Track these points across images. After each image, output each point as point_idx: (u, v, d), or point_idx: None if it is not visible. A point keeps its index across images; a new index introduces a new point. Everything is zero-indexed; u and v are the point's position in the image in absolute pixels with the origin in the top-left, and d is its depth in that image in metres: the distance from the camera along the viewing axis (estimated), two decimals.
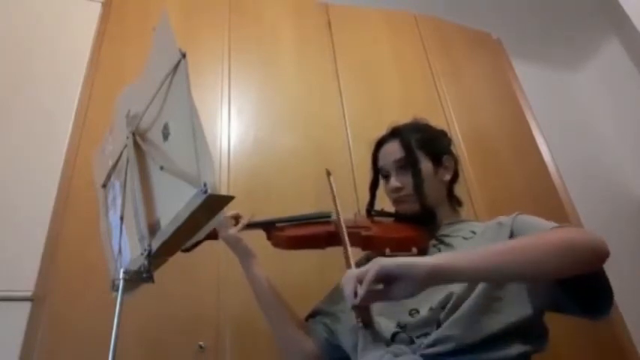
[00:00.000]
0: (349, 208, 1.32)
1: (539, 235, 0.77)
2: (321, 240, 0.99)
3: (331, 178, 1.02)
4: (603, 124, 2.66)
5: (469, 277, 0.72)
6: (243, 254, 1.01)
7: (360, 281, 0.68)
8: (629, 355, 1.57)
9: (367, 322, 0.78)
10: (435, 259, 0.69)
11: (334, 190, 1.00)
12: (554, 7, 2.77)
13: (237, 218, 1.01)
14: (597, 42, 2.74)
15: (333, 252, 0.98)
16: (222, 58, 1.67)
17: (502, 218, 0.93)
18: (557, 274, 0.74)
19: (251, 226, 1.02)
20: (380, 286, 0.68)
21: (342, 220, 0.93)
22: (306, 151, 1.57)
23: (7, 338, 1.11)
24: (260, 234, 1.02)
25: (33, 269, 1.20)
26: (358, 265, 0.83)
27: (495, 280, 0.78)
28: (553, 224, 0.82)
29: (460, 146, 1.75)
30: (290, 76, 1.73)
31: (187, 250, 0.94)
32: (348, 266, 0.84)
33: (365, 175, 1.14)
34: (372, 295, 0.68)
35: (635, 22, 2.06)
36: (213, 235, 0.99)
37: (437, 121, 1.19)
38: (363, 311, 0.75)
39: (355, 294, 0.68)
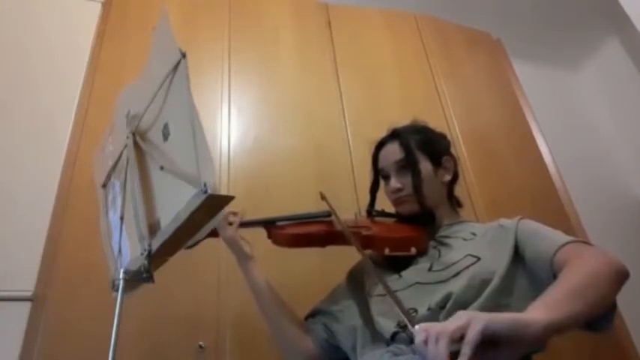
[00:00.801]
0: (349, 209, 1.33)
1: (589, 266, 0.73)
2: (321, 238, 0.99)
3: (328, 200, 1.01)
4: (603, 124, 2.66)
5: (568, 327, 0.63)
6: (240, 255, 1.01)
7: (453, 340, 0.53)
8: (629, 355, 1.58)
9: None
10: (541, 316, 0.59)
11: (333, 208, 0.98)
12: (554, 7, 2.77)
13: (235, 214, 1.01)
14: (597, 42, 2.74)
15: (335, 253, 0.98)
16: (222, 58, 1.67)
17: (504, 221, 0.92)
18: (609, 302, 0.72)
19: (252, 224, 1.02)
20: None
21: (349, 233, 0.91)
22: (306, 151, 1.57)
23: (7, 338, 1.11)
24: (261, 232, 1.02)
25: (33, 269, 1.20)
26: (355, 269, 0.81)
27: (578, 324, 0.68)
28: (560, 235, 0.82)
29: (460, 146, 1.75)
30: (290, 76, 1.73)
31: (190, 246, 0.94)
32: (376, 276, 0.79)
33: (365, 175, 1.14)
34: None
35: (635, 22, 2.05)
36: (215, 233, 1.00)
37: (437, 121, 1.19)
38: None
39: (452, 358, 0.52)
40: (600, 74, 2.74)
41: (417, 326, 0.58)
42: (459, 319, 0.55)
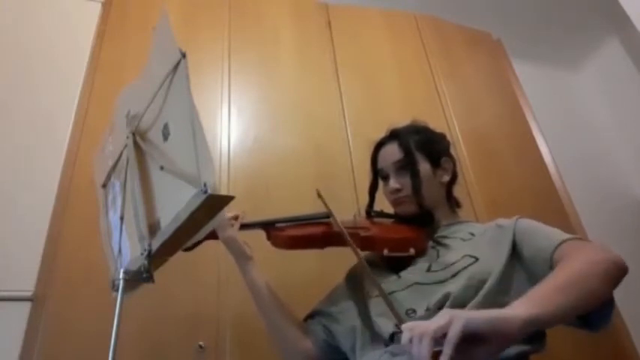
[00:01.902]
0: (349, 209, 1.33)
1: (584, 260, 0.74)
2: (320, 240, 0.99)
3: (323, 199, 1.00)
4: (603, 124, 2.66)
5: (553, 322, 0.64)
6: (239, 255, 1.01)
7: (436, 339, 0.55)
8: (629, 355, 1.58)
9: None
10: (521, 312, 0.60)
11: (329, 207, 0.98)
12: (554, 7, 2.77)
13: (236, 219, 1.01)
14: (597, 42, 2.74)
15: (334, 253, 0.98)
16: (222, 58, 1.67)
17: (502, 221, 0.92)
18: (604, 299, 0.72)
19: (251, 225, 1.02)
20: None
21: (347, 235, 0.91)
22: (306, 151, 1.57)
23: (7, 338, 1.11)
24: (260, 235, 1.02)
25: (33, 269, 1.20)
26: (354, 270, 0.81)
27: (566, 319, 0.70)
28: (559, 233, 0.82)
29: (460, 146, 1.75)
30: (290, 76, 1.73)
31: (188, 249, 0.94)
32: (364, 272, 0.80)
33: (365, 175, 1.14)
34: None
35: (635, 22, 2.05)
36: (214, 235, 0.99)
37: (437, 121, 1.19)
38: None
39: (435, 356, 0.54)
40: (600, 74, 2.74)
41: (403, 325, 0.60)
42: (441, 317, 0.57)
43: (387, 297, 0.75)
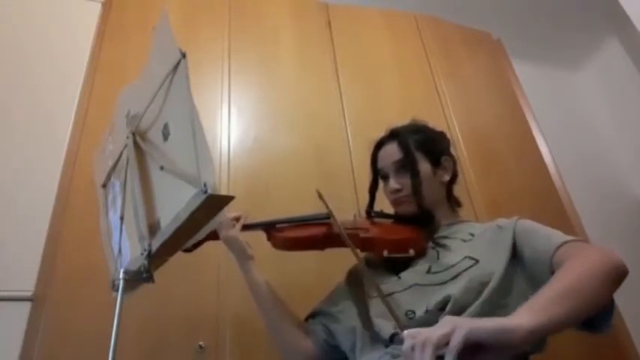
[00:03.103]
0: (349, 209, 1.33)
1: (585, 264, 0.73)
2: (320, 241, 0.99)
3: (324, 200, 1.00)
4: (603, 124, 2.66)
5: (556, 331, 0.63)
6: (241, 255, 1.01)
7: (439, 347, 0.55)
8: (628, 355, 1.58)
9: None
10: (525, 322, 0.58)
11: (330, 208, 0.97)
12: (554, 7, 2.77)
13: (238, 219, 1.01)
14: (597, 42, 2.75)
15: (334, 253, 0.98)
16: (222, 58, 1.67)
17: (501, 221, 0.92)
18: (604, 302, 0.72)
19: (251, 226, 1.02)
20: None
21: (347, 238, 0.90)
22: (306, 151, 1.57)
23: (7, 338, 1.11)
24: (260, 235, 1.02)
25: (33, 269, 1.20)
26: (354, 270, 0.80)
27: (568, 326, 0.68)
28: (558, 235, 0.82)
29: (460, 146, 1.75)
30: (290, 76, 1.73)
31: (189, 250, 0.94)
32: (365, 279, 0.79)
33: (365, 175, 1.14)
34: None
35: (635, 22, 2.05)
36: (215, 236, 0.99)
37: (437, 121, 1.19)
38: None
39: None
40: (600, 74, 2.75)
41: (405, 332, 0.59)
42: (444, 326, 0.57)
43: (386, 300, 0.75)
